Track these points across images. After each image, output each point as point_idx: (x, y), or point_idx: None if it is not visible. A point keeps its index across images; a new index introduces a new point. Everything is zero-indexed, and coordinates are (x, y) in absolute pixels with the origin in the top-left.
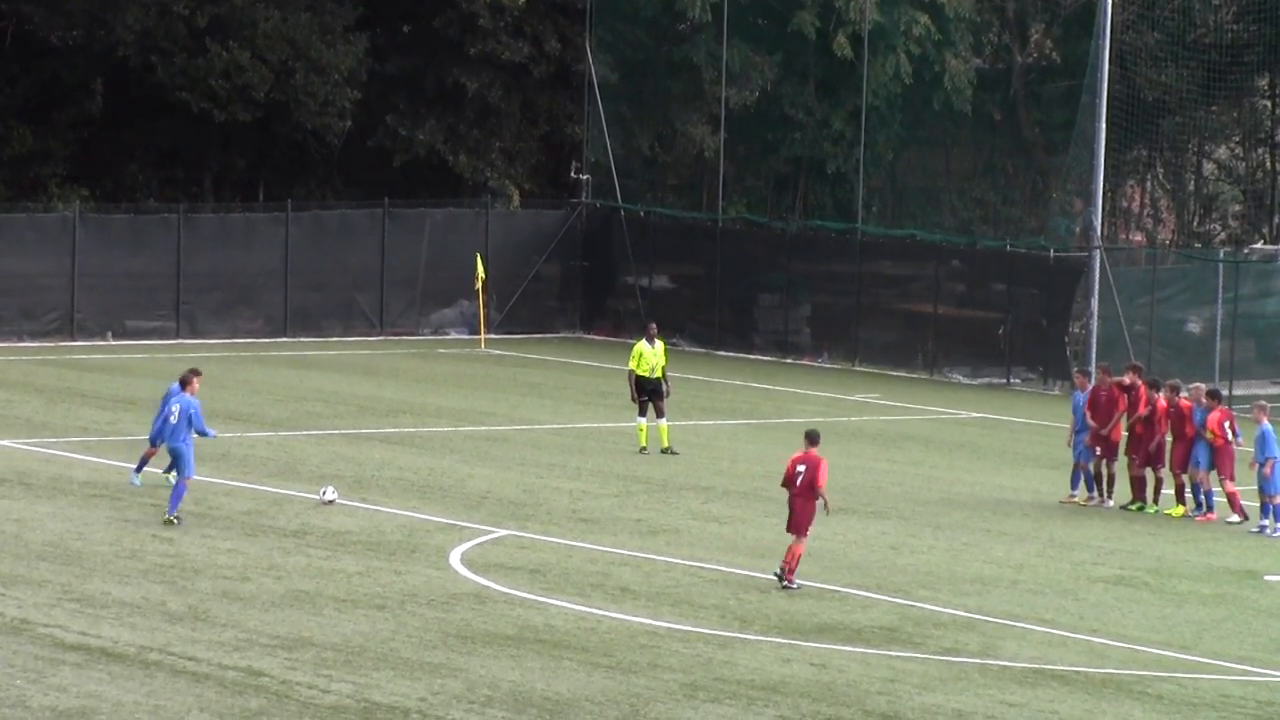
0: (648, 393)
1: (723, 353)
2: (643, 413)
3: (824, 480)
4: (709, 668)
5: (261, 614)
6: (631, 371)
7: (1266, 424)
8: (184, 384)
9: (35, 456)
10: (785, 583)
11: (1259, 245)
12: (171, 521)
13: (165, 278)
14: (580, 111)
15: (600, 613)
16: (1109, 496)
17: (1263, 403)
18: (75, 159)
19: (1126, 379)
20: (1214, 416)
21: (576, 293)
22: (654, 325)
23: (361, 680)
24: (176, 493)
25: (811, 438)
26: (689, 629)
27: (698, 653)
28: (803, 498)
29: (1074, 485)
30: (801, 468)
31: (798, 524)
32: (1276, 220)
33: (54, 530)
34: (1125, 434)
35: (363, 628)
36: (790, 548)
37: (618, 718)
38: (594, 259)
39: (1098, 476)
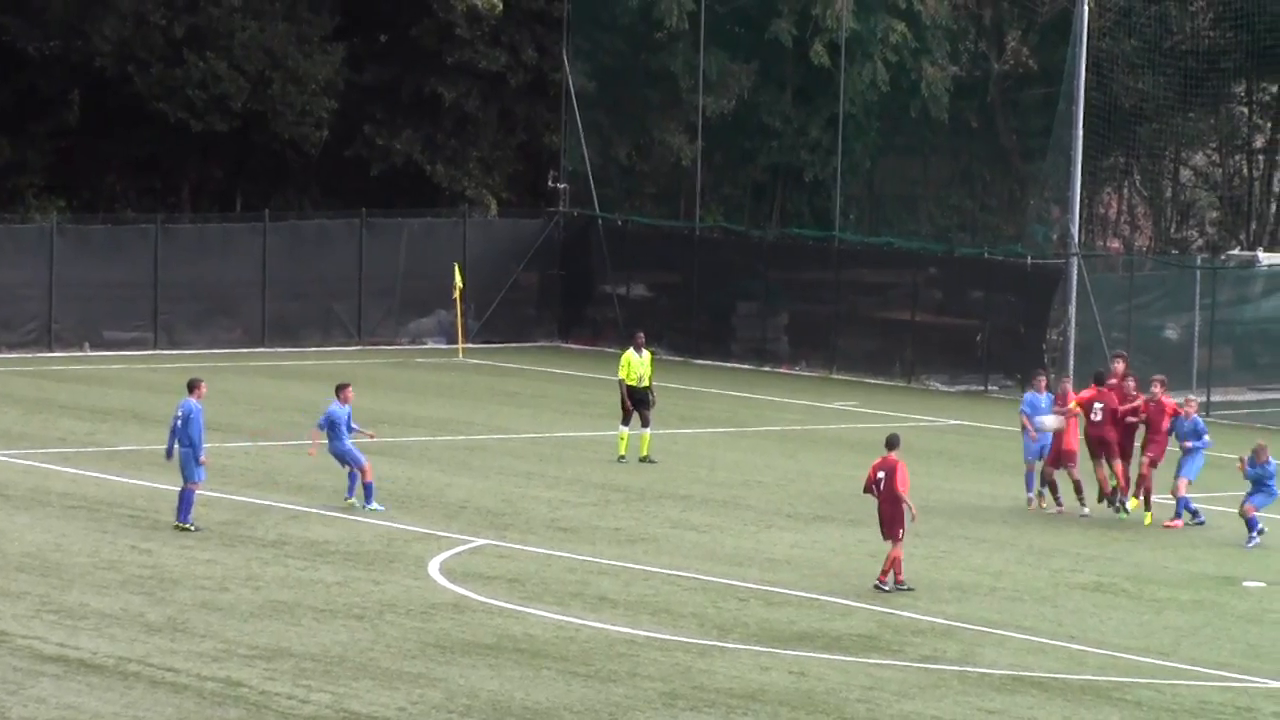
0: (635, 401)
1: (700, 361)
2: (626, 421)
3: (903, 485)
4: (688, 676)
5: (240, 624)
6: (622, 381)
7: (1273, 463)
8: (190, 389)
9: (13, 468)
10: (894, 586)
11: (1236, 251)
12: (186, 529)
13: (143, 288)
14: (558, 120)
15: (579, 621)
16: (1083, 503)
17: (1262, 444)
18: (52, 169)
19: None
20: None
21: (554, 301)
22: (642, 334)
23: (340, 690)
24: (183, 501)
25: (890, 442)
26: (668, 637)
27: (676, 661)
28: (888, 503)
29: (1040, 487)
30: (881, 474)
31: (888, 529)
32: (1254, 226)
33: (32, 541)
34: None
35: (341, 638)
36: (888, 554)
37: None
38: (572, 268)
39: (1052, 483)
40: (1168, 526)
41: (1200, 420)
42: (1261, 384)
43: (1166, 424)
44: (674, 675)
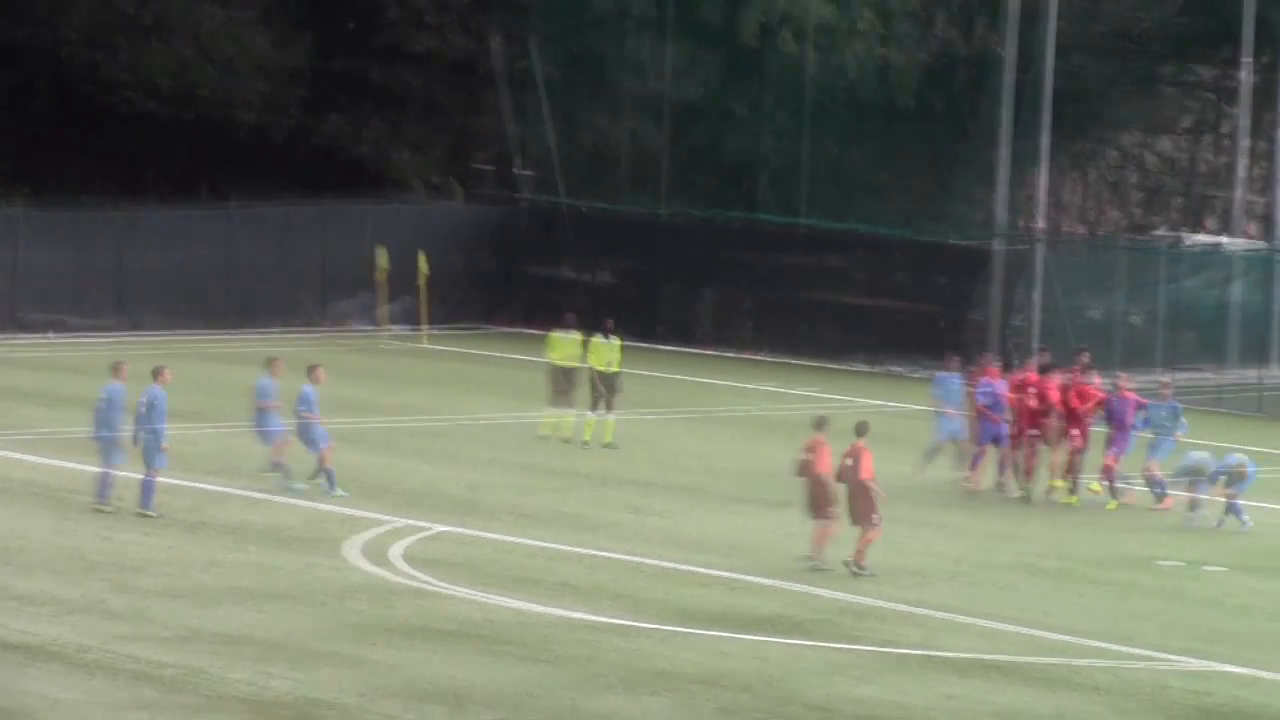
0: (605, 386)
1: (664, 347)
2: (594, 406)
3: (867, 472)
4: (649, 661)
5: (201, 611)
6: (592, 368)
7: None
8: (154, 375)
9: None
10: (857, 569)
11: (1200, 236)
12: (148, 516)
13: (108, 275)
14: (523, 108)
15: (540, 608)
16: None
17: (1243, 462)
18: (18, 157)
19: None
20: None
21: (519, 288)
22: (610, 320)
23: (301, 676)
24: (145, 488)
25: (859, 429)
26: (629, 623)
27: (638, 647)
28: (855, 489)
29: (999, 477)
30: (850, 460)
31: (858, 515)
32: (1217, 212)
33: None
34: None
35: (302, 624)
36: (861, 537)
37: (558, 712)
38: (536, 254)
39: (1015, 467)
40: (1157, 509)
41: (1178, 404)
42: (1223, 367)
43: (1131, 418)
44: (635, 661)
